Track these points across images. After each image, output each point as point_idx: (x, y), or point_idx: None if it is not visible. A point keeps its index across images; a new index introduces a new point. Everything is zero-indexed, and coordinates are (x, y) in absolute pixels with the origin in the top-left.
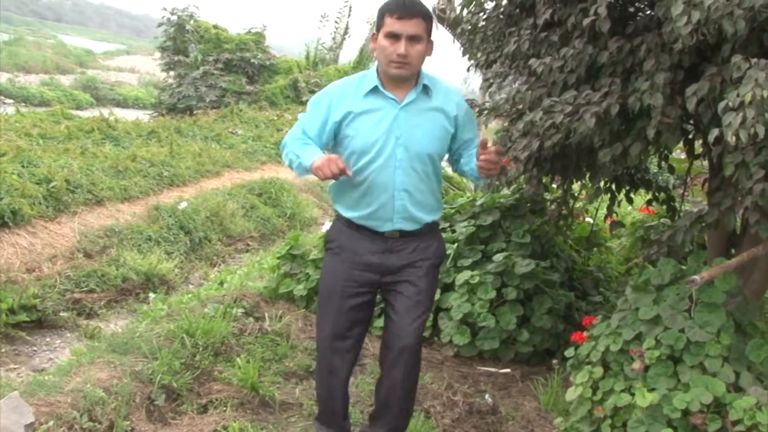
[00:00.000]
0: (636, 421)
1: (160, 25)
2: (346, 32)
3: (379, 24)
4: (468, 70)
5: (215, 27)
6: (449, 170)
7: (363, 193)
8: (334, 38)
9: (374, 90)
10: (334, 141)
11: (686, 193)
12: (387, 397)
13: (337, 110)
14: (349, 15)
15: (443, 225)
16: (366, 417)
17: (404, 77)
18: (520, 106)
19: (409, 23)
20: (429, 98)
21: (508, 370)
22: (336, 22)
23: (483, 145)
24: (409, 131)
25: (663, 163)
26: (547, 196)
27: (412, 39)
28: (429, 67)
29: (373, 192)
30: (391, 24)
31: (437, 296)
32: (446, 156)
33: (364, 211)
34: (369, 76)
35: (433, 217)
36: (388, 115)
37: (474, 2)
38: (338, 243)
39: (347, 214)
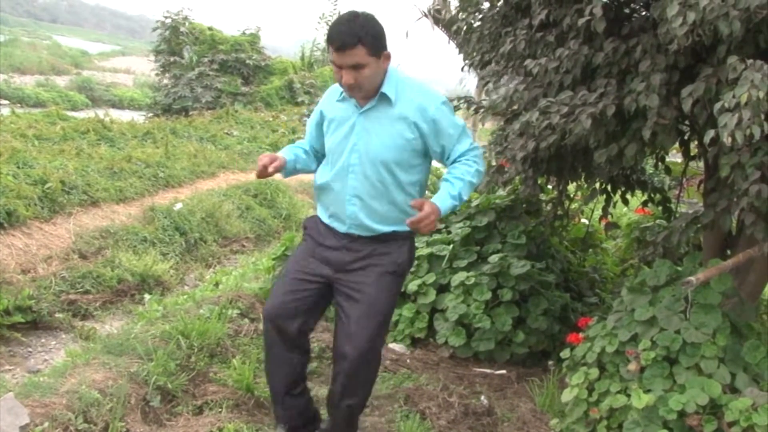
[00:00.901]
0: (632, 422)
1: (154, 29)
2: None
3: (328, 48)
4: (462, 69)
5: (210, 29)
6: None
7: (326, 195)
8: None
9: (344, 96)
10: None
11: (682, 194)
12: (330, 399)
13: (321, 113)
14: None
15: (439, 226)
16: None
17: (360, 97)
18: (516, 107)
19: (348, 55)
20: (390, 106)
21: (503, 371)
22: (327, 24)
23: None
24: (365, 138)
25: (660, 164)
26: (543, 197)
27: (355, 67)
28: (424, 66)
29: (331, 195)
30: (333, 55)
31: (433, 297)
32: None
33: (327, 212)
34: None
35: (395, 228)
36: (348, 121)
37: (471, 3)
38: (309, 233)
39: (319, 212)
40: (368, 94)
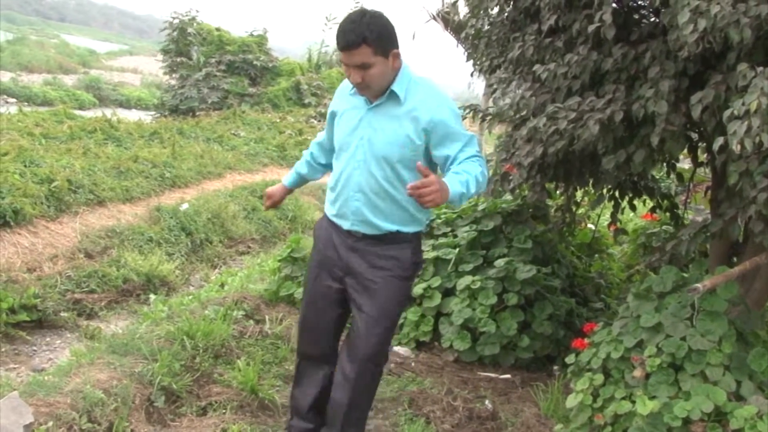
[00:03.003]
0: (636, 429)
1: (162, 29)
2: None
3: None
4: (471, 75)
5: (218, 29)
6: None
7: (333, 189)
8: None
9: (355, 90)
10: None
11: (689, 200)
12: (332, 406)
13: (333, 109)
14: None
15: (445, 230)
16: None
17: (370, 95)
18: (524, 112)
19: (353, 54)
20: (399, 104)
21: (508, 375)
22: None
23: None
24: (372, 133)
25: (671, 171)
26: (550, 202)
27: (361, 67)
28: (433, 70)
29: (338, 189)
30: (341, 55)
31: (438, 301)
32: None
33: (334, 208)
34: None
35: (399, 228)
36: (357, 115)
37: (480, 8)
38: (317, 234)
39: (326, 209)
40: (378, 92)
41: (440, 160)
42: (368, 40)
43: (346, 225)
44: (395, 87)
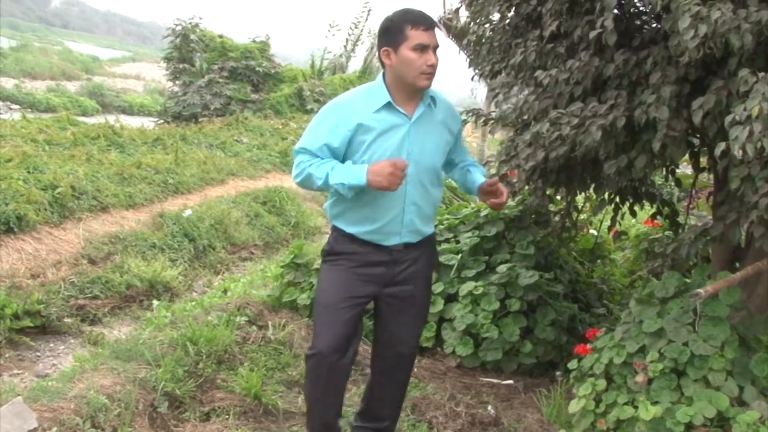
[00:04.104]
0: None
1: (165, 36)
2: (358, 39)
3: (398, 38)
4: (473, 80)
5: (220, 36)
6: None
7: (372, 209)
8: (345, 45)
9: (387, 105)
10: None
11: (691, 206)
12: (384, 398)
13: (347, 125)
14: (367, 19)
15: (447, 235)
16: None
17: (428, 87)
18: (526, 117)
19: (434, 35)
20: (434, 112)
21: (510, 381)
22: (351, 28)
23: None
24: (419, 146)
25: (670, 177)
26: (552, 207)
27: (436, 49)
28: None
29: (381, 208)
30: (418, 36)
31: (441, 306)
32: None
33: (370, 227)
34: (377, 90)
35: (432, 229)
36: (400, 132)
37: (482, 14)
38: (340, 255)
39: (350, 229)
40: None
41: (452, 150)
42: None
43: (390, 240)
44: (432, 94)
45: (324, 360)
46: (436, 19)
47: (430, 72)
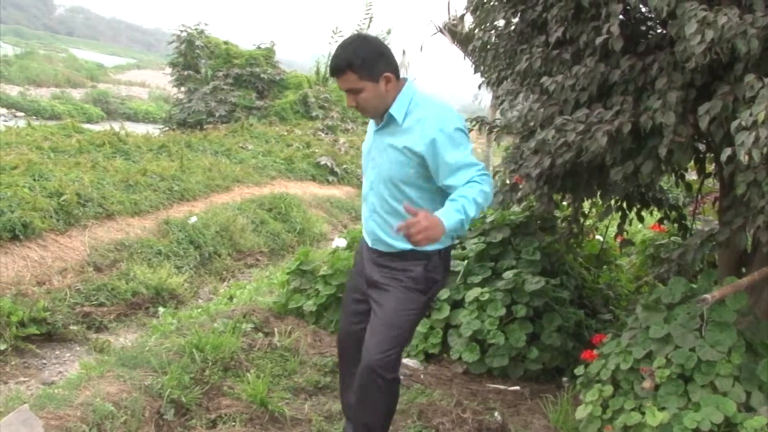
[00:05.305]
0: None
1: (170, 43)
2: None
3: None
4: (479, 87)
5: (225, 43)
6: None
7: (362, 210)
8: None
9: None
10: None
11: (698, 211)
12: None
13: None
14: (369, 26)
15: (454, 242)
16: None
17: (372, 117)
18: (532, 124)
19: (341, 81)
20: (397, 124)
21: (517, 387)
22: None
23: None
24: (379, 155)
25: (680, 182)
26: (558, 213)
27: (351, 92)
28: (440, 82)
29: (363, 209)
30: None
31: (447, 313)
32: None
33: (363, 226)
34: None
35: (412, 246)
36: (369, 139)
37: (487, 20)
38: (356, 250)
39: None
40: (376, 114)
41: (436, 176)
42: (353, 66)
43: (369, 242)
44: (393, 110)
45: (339, 349)
46: (441, 26)
47: (357, 110)
